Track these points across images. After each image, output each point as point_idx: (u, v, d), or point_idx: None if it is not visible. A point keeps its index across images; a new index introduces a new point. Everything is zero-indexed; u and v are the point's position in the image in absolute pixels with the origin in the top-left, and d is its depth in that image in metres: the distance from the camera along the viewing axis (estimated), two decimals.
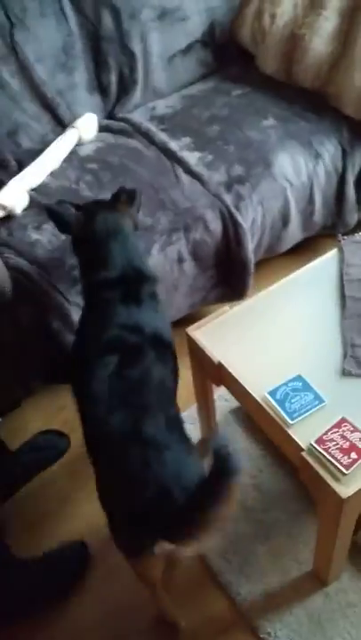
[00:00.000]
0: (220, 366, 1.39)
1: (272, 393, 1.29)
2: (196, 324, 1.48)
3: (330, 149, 2.00)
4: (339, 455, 1.17)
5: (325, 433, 1.21)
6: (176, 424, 1.25)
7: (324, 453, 1.18)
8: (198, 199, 1.85)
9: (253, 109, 2.09)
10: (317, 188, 2.01)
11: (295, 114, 2.06)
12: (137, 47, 2.16)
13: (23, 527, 1.67)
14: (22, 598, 1.49)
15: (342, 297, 1.49)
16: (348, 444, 1.19)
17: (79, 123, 2.04)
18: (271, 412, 1.27)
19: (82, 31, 2.08)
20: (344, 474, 1.15)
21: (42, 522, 1.68)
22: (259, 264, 2.03)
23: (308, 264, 1.61)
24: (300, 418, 1.25)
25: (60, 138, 2.01)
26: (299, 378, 1.31)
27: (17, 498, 1.71)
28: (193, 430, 1.82)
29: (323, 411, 1.27)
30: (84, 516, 1.68)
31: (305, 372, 1.32)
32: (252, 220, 1.91)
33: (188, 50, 2.26)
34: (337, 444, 1.19)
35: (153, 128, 2.09)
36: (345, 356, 1.37)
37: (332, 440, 1.20)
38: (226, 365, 1.38)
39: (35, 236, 1.73)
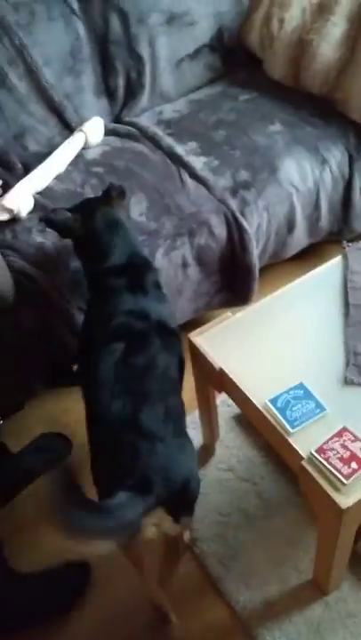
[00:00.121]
0: (221, 372, 1.39)
1: (273, 401, 1.28)
2: (198, 330, 1.48)
3: (336, 155, 1.99)
4: (339, 465, 1.16)
5: (326, 442, 1.20)
6: (175, 416, 1.27)
7: (325, 463, 1.17)
8: (203, 204, 1.84)
9: (260, 114, 2.09)
10: (324, 193, 2.00)
11: (302, 119, 2.05)
12: (145, 51, 2.16)
13: (24, 530, 1.67)
14: (21, 612, 1.47)
15: (346, 304, 1.48)
16: (348, 453, 1.18)
17: (86, 126, 2.04)
18: (272, 420, 1.27)
19: (90, 35, 2.08)
20: (344, 484, 1.15)
21: (43, 523, 1.68)
22: (264, 269, 2.03)
23: (313, 270, 1.60)
24: (300, 426, 1.24)
25: (66, 141, 2.02)
26: (300, 386, 1.30)
27: (17, 500, 1.71)
28: (195, 435, 1.81)
29: (324, 419, 1.26)
30: None
31: (307, 379, 1.32)
32: (258, 226, 1.90)
33: (195, 54, 2.26)
34: (338, 453, 1.18)
35: (159, 132, 2.09)
36: (347, 364, 1.36)
37: (332, 449, 1.19)
38: (227, 372, 1.38)
39: (39, 239, 1.73)
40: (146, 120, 2.17)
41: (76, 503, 1.02)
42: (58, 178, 1.95)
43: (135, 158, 2.00)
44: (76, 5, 2.02)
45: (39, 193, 1.88)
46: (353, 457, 1.18)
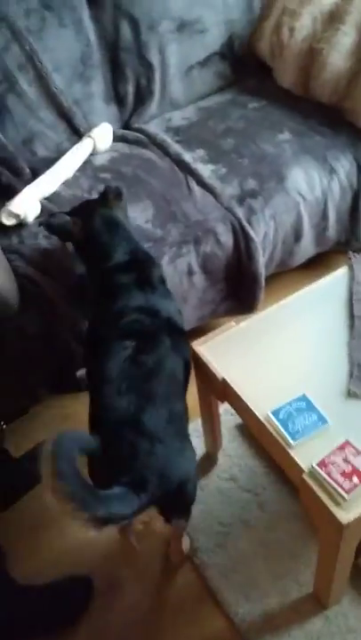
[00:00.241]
0: (224, 382, 1.38)
1: (275, 412, 1.27)
2: (201, 339, 1.47)
3: (345, 165, 1.98)
4: (340, 479, 1.15)
5: (328, 455, 1.19)
6: (178, 420, 1.28)
7: (326, 477, 1.16)
8: (210, 212, 1.84)
9: (269, 123, 2.08)
10: (331, 203, 1.99)
11: (311, 128, 2.04)
12: (155, 58, 2.16)
13: (24, 535, 1.67)
14: (22, 625, 1.45)
15: (351, 316, 1.47)
16: (350, 467, 1.17)
17: (94, 132, 2.05)
18: (273, 432, 1.25)
19: (100, 41, 2.09)
20: (345, 499, 1.13)
21: (43, 530, 1.67)
22: (270, 278, 2.02)
23: (319, 280, 1.59)
24: (302, 439, 1.23)
25: (74, 147, 2.02)
26: (303, 397, 1.29)
27: (19, 506, 1.71)
28: (198, 444, 1.81)
29: (326, 432, 1.25)
30: None
31: (310, 391, 1.31)
32: (264, 234, 1.89)
33: (206, 62, 2.26)
34: (339, 467, 1.17)
35: (168, 139, 2.09)
36: (351, 376, 1.35)
37: (334, 463, 1.18)
38: (230, 382, 1.37)
39: (45, 244, 1.74)
40: (154, 127, 2.17)
41: (76, 477, 1.04)
42: (65, 183, 1.95)
43: (143, 165, 2.00)
44: (86, 12, 2.03)
45: (46, 198, 1.89)
46: (355, 471, 1.17)
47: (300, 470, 1.20)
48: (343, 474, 1.16)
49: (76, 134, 2.10)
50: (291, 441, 1.23)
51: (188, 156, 2.00)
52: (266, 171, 1.92)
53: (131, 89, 2.18)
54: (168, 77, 2.21)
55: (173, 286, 1.76)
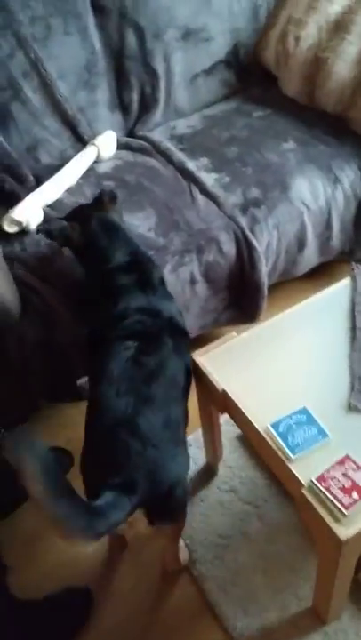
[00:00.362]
0: (224, 394, 1.37)
1: (275, 425, 1.26)
2: (202, 350, 1.46)
3: (349, 175, 1.96)
4: (340, 494, 1.14)
5: (328, 470, 1.17)
6: (174, 425, 1.28)
7: (325, 492, 1.14)
8: (213, 221, 1.83)
9: (274, 132, 2.08)
10: (336, 213, 1.98)
11: (315, 137, 2.03)
12: (160, 66, 2.16)
13: (23, 544, 1.66)
14: None
15: (353, 328, 1.46)
16: (350, 482, 1.15)
17: (99, 140, 2.05)
18: (273, 445, 1.24)
19: (105, 49, 2.09)
20: (344, 515, 1.12)
21: (39, 541, 1.66)
22: (273, 287, 2.00)
23: (323, 289, 1.58)
24: (302, 452, 1.21)
25: (78, 154, 2.02)
26: (303, 410, 1.28)
27: (17, 515, 1.70)
28: (198, 454, 1.79)
29: (326, 446, 1.23)
30: None
31: (310, 404, 1.29)
32: (267, 244, 1.88)
33: (211, 70, 2.26)
34: (339, 482, 1.15)
35: (172, 147, 2.08)
36: (352, 389, 1.33)
37: (333, 478, 1.16)
38: (230, 393, 1.35)
39: (47, 252, 1.73)
40: (159, 135, 2.17)
41: (65, 498, 1.02)
42: (69, 191, 1.95)
43: (146, 173, 1.99)
44: (92, 20, 2.03)
45: (49, 206, 1.89)
46: (354, 486, 1.15)
47: (300, 485, 1.18)
48: (343, 489, 1.15)
49: (81, 142, 2.10)
50: (290, 455, 1.21)
51: (191, 165, 2.00)
52: (270, 180, 1.91)
53: (135, 97, 2.18)
54: (173, 85, 2.21)
55: (175, 295, 1.74)
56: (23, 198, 1.85)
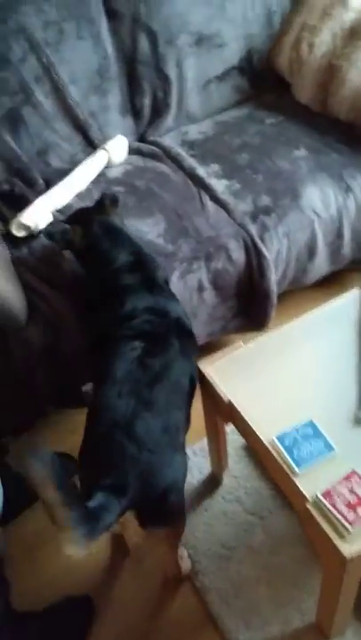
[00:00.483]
0: (230, 405, 1.35)
1: (280, 438, 1.24)
2: (208, 359, 1.45)
3: None
4: (345, 511, 1.12)
5: (333, 485, 1.16)
6: (173, 430, 1.27)
7: (330, 507, 1.12)
8: (222, 228, 1.82)
9: (285, 139, 2.06)
10: (347, 221, 1.95)
11: (327, 145, 2.01)
12: (172, 71, 2.15)
13: (23, 551, 1.65)
14: None
15: None
16: (355, 499, 1.13)
17: (109, 145, 2.04)
18: (278, 459, 1.22)
19: (118, 54, 2.09)
20: (349, 531, 1.10)
21: (41, 547, 1.65)
22: (282, 295, 1.98)
23: (333, 298, 1.56)
24: (307, 467, 1.20)
25: (89, 159, 2.02)
26: (310, 423, 1.26)
27: (17, 522, 1.69)
28: (203, 464, 1.78)
29: (333, 460, 1.21)
30: None
31: (317, 417, 1.27)
32: (277, 252, 1.86)
33: (224, 76, 2.25)
34: (344, 498, 1.14)
35: (183, 153, 2.07)
36: (359, 403, 1.31)
37: (339, 493, 1.14)
38: (236, 404, 1.34)
39: (55, 257, 1.72)
40: (170, 140, 2.16)
41: (75, 505, 1.03)
42: (78, 195, 1.95)
43: (156, 178, 1.98)
44: (105, 25, 2.03)
45: (59, 210, 1.88)
46: (360, 503, 1.13)
47: (304, 499, 1.17)
48: (348, 505, 1.13)
49: (91, 146, 2.09)
50: (295, 469, 1.19)
51: (202, 171, 1.98)
52: (281, 187, 1.90)
53: (147, 102, 2.18)
54: (185, 91, 2.20)
55: (183, 302, 1.73)
56: (32, 202, 1.85)
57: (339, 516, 1.11)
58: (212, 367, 1.43)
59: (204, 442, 1.72)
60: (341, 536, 1.10)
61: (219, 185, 1.93)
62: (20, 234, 1.77)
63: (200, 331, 1.88)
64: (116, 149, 2.06)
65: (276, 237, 1.84)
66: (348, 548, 1.09)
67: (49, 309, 1.64)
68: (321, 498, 1.14)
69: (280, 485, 1.29)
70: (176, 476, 1.27)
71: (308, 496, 1.16)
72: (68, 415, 1.91)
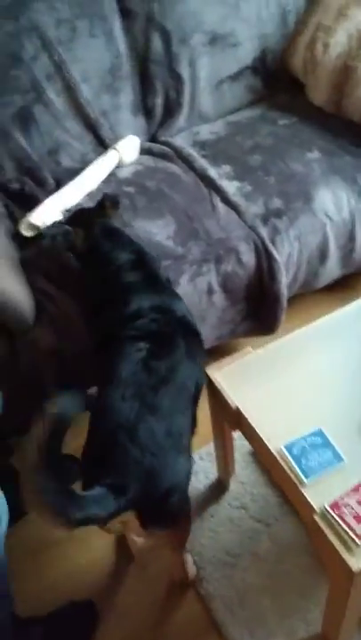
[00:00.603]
0: (237, 412, 1.33)
1: (289, 447, 1.22)
2: (217, 364, 1.43)
3: None
4: (353, 523, 1.09)
5: (341, 497, 1.13)
6: (177, 434, 1.25)
7: (338, 520, 1.10)
8: (233, 230, 1.80)
9: (299, 140, 2.03)
10: (359, 224, 1.92)
11: (341, 147, 1.98)
12: (185, 71, 2.13)
13: (25, 555, 1.64)
14: None
15: None
16: None
17: (120, 145, 2.02)
18: (286, 468, 1.20)
19: (130, 53, 2.07)
20: (357, 545, 1.07)
21: (44, 551, 1.64)
22: (293, 299, 1.96)
23: (344, 302, 1.53)
24: (315, 477, 1.17)
25: (100, 159, 2.00)
26: (319, 432, 1.24)
27: (20, 526, 1.67)
28: (210, 469, 1.76)
29: (341, 471, 1.19)
30: (90, 544, 1.64)
31: (326, 426, 1.25)
32: (288, 255, 1.84)
33: (237, 76, 2.22)
34: (353, 510, 1.11)
35: (194, 153, 2.05)
36: None
37: (347, 505, 1.12)
38: (243, 411, 1.32)
39: (63, 257, 1.71)
40: (181, 140, 2.13)
41: (52, 479, 1.02)
42: (89, 195, 1.93)
43: (167, 179, 1.96)
44: (118, 24, 2.01)
45: (68, 210, 1.86)
46: None
47: (312, 510, 1.14)
48: (357, 517, 1.10)
49: (102, 146, 2.07)
50: (303, 479, 1.17)
51: (213, 172, 1.96)
52: (293, 190, 1.87)
53: (159, 101, 2.15)
54: (198, 91, 2.18)
55: (192, 305, 1.71)
56: (42, 201, 1.84)
57: (347, 529, 1.09)
58: (220, 373, 1.41)
59: (211, 446, 1.71)
60: (349, 549, 1.08)
61: (230, 187, 1.91)
62: (29, 234, 1.76)
63: (209, 334, 1.86)
64: (127, 149, 2.04)
65: (288, 240, 1.82)
66: (356, 562, 1.07)
67: (56, 310, 1.63)
68: (329, 509, 1.12)
69: (287, 495, 1.27)
70: (178, 478, 1.26)
71: (315, 507, 1.14)
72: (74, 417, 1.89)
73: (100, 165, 1.98)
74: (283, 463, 1.21)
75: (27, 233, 1.76)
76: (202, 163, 2.00)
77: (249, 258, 1.78)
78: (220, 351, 1.91)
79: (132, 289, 1.46)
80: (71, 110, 2.02)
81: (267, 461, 1.29)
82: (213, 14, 2.10)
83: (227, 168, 1.98)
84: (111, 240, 1.56)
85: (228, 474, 1.72)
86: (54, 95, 1.98)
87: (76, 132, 2.05)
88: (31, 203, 1.86)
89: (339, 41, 2.01)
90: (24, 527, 1.66)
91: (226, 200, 1.87)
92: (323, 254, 1.92)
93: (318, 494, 1.16)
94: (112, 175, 2.00)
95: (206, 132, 2.17)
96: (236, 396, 1.35)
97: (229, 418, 1.38)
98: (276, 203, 1.85)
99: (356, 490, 1.14)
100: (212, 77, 2.18)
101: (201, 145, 2.10)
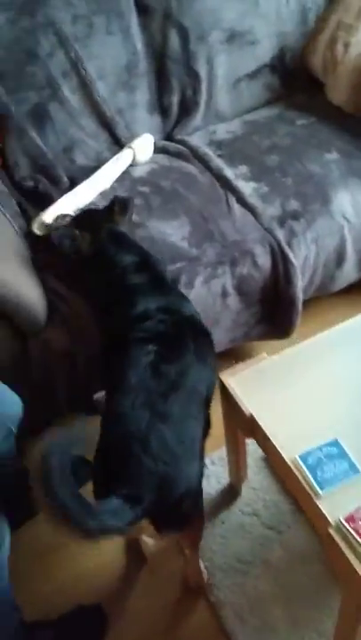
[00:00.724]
0: (251, 419, 1.31)
1: (303, 457, 1.19)
2: (230, 370, 1.40)
3: None
4: None
5: (357, 509, 1.11)
6: (189, 440, 1.24)
7: (353, 533, 1.07)
8: (249, 232, 1.77)
9: (317, 141, 2.00)
10: None
11: (360, 148, 1.95)
12: (202, 69, 2.10)
13: (34, 558, 1.62)
14: None
15: None
16: None
17: (135, 143, 2.00)
18: (300, 478, 1.18)
19: (147, 50, 2.04)
20: None
21: (52, 554, 1.63)
22: (308, 302, 1.93)
23: (358, 306, 1.50)
24: (331, 489, 1.15)
25: (114, 157, 1.98)
26: (335, 442, 1.21)
27: (28, 529, 1.66)
28: (222, 473, 1.74)
29: (358, 483, 1.16)
30: (100, 547, 1.62)
31: (343, 436, 1.22)
32: (305, 258, 1.81)
33: (255, 74, 2.19)
34: None
35: (210, 153, 2.02)
36: None
37: None
38: (258, 419, 1.29)
39: (75, 257, 1.69)
40: (197, 139, 2.11)
41: (69, 490, 1.02)
42: (102, 194, 1.91)
43: (182, 179, 1.94)
44: (135, 20, 1.98)
45: (81, 209, 1.84)
46: None
47: (327, 523, 1.12)
48: None
49: (117, 144, 2.05)
50: (318, 490, 1.14)
51: (229, 172, 1.93)
52: (310, 191, 1.84)
53: (176, 99, 2.13)
54: (215, 89, 2.15)
55: (206, 307, 1.70)
56: (56, 200, 1.82)
57: None
58: (234, 378, 1.38)
59: (223, 450, 1.68)
60: None
61: (246, 187, 1.88)
62: (41, 233, 1.74)
63: (222, 337, 1.83)
64: (143, 148, 2.01)
65: (305, 243, 1.79)
66: None
67: (69, 310, 1.62)
68: (344, 522, 1.09)
69: (301, 506, 1.24)
70: (191, 483, 1.24)
71: (330, 520, 1.11)
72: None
73: (114, 164, 1.96)
74: (297, 473, 1.19)
75: (39, 232, 1.74)
76: (218, 162, 1.98)
77: (265, 260, 1.75)
78: (233, 355, 1.89)
79: (138, 290, 1.45)
80: (87, 108, 2.00)
81: (281, 471, 1.27)
82: (232, 11, 2.07)
83: (243, 168, 1.95)
84: (116, 244, 1.54)
85: (240, 479, 1.70)
86: (70, 92, 1.96)
87: (92, 130, 2.03)
88: (45, 201, 1.85)
89: (360, 40, 1.97)
90: (32, 529, 1.65)
91: (242, 201, 1.84)
92: (340, 257, 1.88)
93: (333, 506, 1.13)
94: (126, 174, 1.98)
95: (223, 131, 2.14)
96: (250, 402, 1.33)
97: (243, 425, 1.36)
98: (294, 204, 1.81)
99: None
100: (229, 75, 2.15)
101: (217, 144, 2.07)
